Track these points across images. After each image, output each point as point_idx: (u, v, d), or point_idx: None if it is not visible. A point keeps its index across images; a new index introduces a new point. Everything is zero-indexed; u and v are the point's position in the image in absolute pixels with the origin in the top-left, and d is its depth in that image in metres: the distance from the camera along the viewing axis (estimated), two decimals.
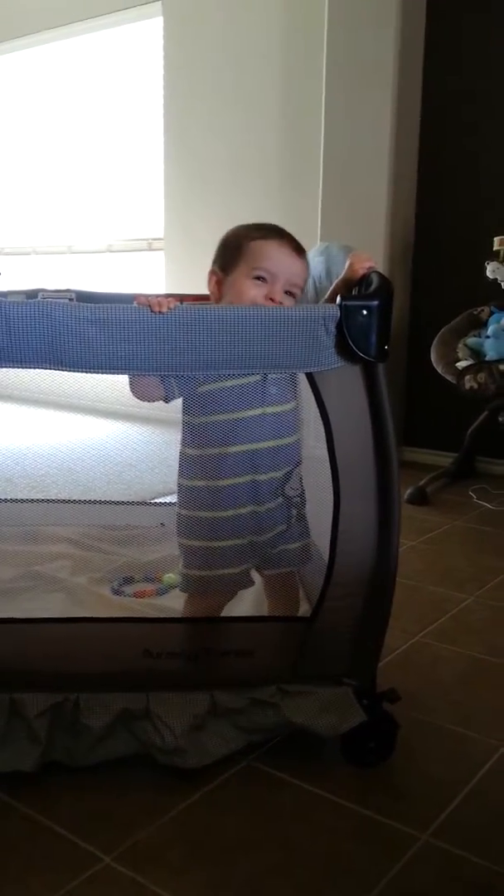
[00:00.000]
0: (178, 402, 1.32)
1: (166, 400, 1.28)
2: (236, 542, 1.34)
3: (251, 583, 1.40)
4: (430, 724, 1.45)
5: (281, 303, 1.30)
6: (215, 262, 1.37)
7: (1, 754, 1.23)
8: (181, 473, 1.37)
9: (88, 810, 1.20)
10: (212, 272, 1.36)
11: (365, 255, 1.29)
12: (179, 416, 1.36)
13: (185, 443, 1.36)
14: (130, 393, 1.27)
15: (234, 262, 1.32)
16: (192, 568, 1.36)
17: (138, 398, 1.27)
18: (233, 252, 1.33)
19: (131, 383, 1.25)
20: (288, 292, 1.32)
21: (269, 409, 1.30)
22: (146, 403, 1.29)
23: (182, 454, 1.36)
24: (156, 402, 1.30)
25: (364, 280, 1.24)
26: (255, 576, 1.42)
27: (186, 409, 1.34)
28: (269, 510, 1.34)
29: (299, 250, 1.34)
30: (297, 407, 1.35)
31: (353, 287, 1.27)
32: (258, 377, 1.28)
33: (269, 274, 1.30)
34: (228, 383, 1.28)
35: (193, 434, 1.33)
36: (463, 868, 1.11)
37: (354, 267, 1.27)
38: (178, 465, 1.38)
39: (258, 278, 1.30)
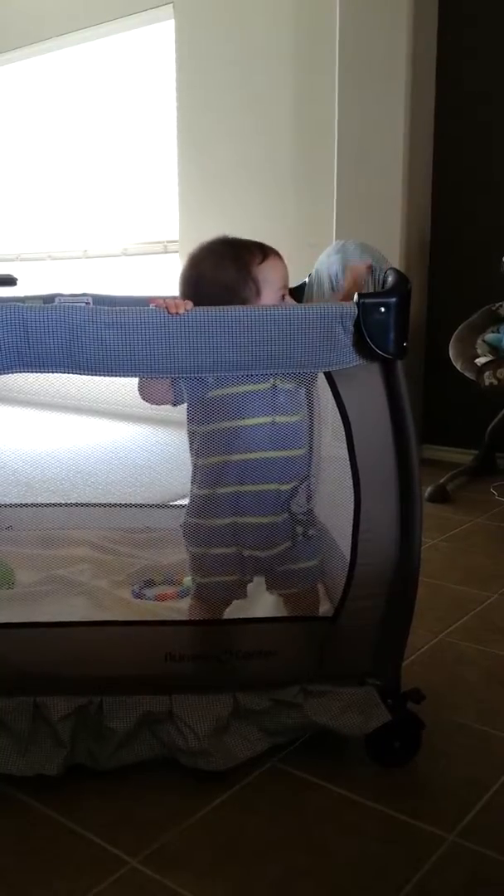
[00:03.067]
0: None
1: (174, 403, 1.29)
2: (231, 550, 1.35)
3: (244, 595, 1.40)
4: (456, 723, 1.44)
5: None
6: (230, 298, 1.30)
7: (25, 758, 1.23)
8: (192, 480, 1.38)
9: (114, 813, 1.20)
10: None
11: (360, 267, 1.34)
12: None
13: (193, 452, 1.37)
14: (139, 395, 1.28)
15: (255, 293, 1.32)
16: (193, 572, 1.39)
17: (146, 401, 1.28)
18: (247, 284, 1.31)
19: (140, 386, 1.26)
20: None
21: (280, 419, 1.30)
22: (162, 406, 1.29)
23: (193, 463, 1.37)
24: (167, 406, 1.30)
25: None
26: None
27: (192, 418, 1.34)
28: (272, 524, 1.34)
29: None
30: (304, 419, 1.36)
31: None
32: (268, 385, 1.28)
33: (286, 289, 1.35)
34: (238, 389, 1.27)
35: (202, 443, 1.34)
36: (491, 868, 1.09)
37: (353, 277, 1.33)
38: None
39: (282, 298, 1.35)
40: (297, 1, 3.57)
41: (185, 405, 1.32)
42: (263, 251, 1.34)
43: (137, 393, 1.27)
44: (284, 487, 1.33)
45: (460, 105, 3.21)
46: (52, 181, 4.99)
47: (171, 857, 1.11)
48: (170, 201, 4.25)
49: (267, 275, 1.32)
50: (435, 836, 1.15)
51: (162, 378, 1.23)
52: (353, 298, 1.13)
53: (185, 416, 1.36)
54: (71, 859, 1.11)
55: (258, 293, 1.31)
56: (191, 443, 1.37)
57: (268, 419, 1.30)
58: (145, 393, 1.27)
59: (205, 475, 1.34)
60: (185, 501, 1.41)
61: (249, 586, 1.42)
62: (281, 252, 1.40)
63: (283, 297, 1.35)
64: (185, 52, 4.02)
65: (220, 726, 1.26)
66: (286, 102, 3.68)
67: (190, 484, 1.39)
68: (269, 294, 1.32)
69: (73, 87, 4.77)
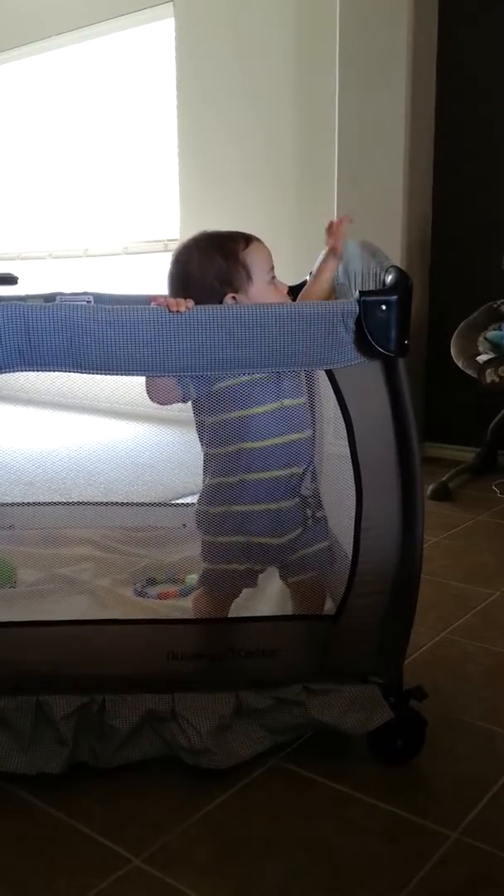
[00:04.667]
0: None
1: (184, 400, 1.29)
2: (243, 539, 1.35)
3: (254, 583, 1.41)
4: (458, 720, 1.44)
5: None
6: (222, 288, 1.32)
7: (28, 756, 1.23)
8: (204, 471, 1.38)
9: (116, 812, 1.20)
10: (231, 298, 1.32)
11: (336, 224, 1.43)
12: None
13: (204, 443, 1.37)
14: (147, 397, 1.28)
15: (247, 278, 1.33)
16: (205, 560, 1.38)
17: (155, 402, 1.28)
18: (237, 270, 1.33)
19: (148, 387, 1.26)
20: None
21: (287, 402, 1.31)
22: (171, 405, 1.30)
23: (204, 454, 1.37)
24: (176, 404, 1.31)
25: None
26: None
27: (198, 411, 1.35)
28: (284, 509, 1.34)
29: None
30: (308, 401, 1.36)
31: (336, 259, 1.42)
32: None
33: (273, 271, 1.37)
34: (243, 379, 1.28)
35: (214, 433, 1.34)
36: (494, 866, 1.09)
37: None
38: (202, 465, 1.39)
39: (272, 279, 1.36)
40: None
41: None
42: (246, 237, 1.36)
43: (139, 391, 1.27)
44: (296, 471, 1.34)
45: (461, 103, 3.20)
46: (52, 180, 4.99)
47: (173, 856, 1.11)
48: (170, 200, 4.25)
49: (254, 258, 1.34)
50: (438, 833, 1.15)
51: (165, 377, 1.23)
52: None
53: (188, 414, 1.37)
54: (73, 858, 1.12)
55: (249, 277, 1.33)
56: (200, 434, 1.38)
57: (276, 405, 1.31)
58: (153, 394, 1.27)
59: (218, 465, 1.34)
60: (187, 500, 1.41)
61: (260, 577, 1.41)
62: (281, 250, 1.41)
63: (273, 278, 1.36)
64: (185, 51, 4.01)
65: (222, 724, 1.26)
66: (287, 101, 3.68)
67: (202, 475, 1.39)
68: (260, 277, 1.34)
69: (73, 86, 4.76)
